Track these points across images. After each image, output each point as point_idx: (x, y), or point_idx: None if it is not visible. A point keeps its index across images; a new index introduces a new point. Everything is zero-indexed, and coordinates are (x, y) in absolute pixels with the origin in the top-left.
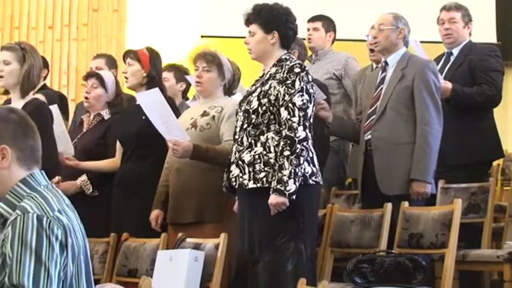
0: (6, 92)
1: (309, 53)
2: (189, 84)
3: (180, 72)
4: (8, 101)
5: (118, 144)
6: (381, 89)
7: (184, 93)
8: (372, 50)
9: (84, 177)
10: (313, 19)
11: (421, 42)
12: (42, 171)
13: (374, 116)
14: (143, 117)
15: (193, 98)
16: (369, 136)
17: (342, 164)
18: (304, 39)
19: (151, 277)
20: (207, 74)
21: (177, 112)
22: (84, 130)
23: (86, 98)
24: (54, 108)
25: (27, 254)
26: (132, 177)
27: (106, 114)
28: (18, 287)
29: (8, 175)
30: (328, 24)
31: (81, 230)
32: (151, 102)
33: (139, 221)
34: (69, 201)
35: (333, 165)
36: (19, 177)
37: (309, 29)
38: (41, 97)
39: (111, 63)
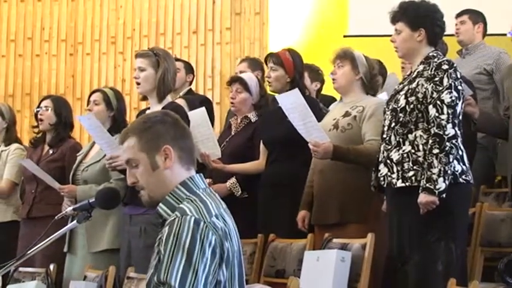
0: (144, 98)
1: (458, 47)
2: (322, 83)
3: (313, 71)
4: (143, 111)
5: (262, 146)
6: None
7: (318, 92)
8: None
9: (233, 179)
10: (460, 13)
11: None
12: (201, 174)
13: None
14: (288, 119)
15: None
16: None
17: (491, 161)
18: (453, 34)
19: (299, 277)
20: (340, 70)
21: (320, 112)
22: (232, 133)
23: (232, 102)
24: (202, 112)
25: (179, 254)
26: (280, 178)
27: (253, 116)
28: (165, 284)
29: (170, 175)
30: (476, 16)
31: (236, 234)
32: (291, 104)
33: (287, 222)
34: (225, 206)
35: (481, 162)
36: (180, 177)
37: (456, 24)
38: (181, 101)
39: (255, 65)
